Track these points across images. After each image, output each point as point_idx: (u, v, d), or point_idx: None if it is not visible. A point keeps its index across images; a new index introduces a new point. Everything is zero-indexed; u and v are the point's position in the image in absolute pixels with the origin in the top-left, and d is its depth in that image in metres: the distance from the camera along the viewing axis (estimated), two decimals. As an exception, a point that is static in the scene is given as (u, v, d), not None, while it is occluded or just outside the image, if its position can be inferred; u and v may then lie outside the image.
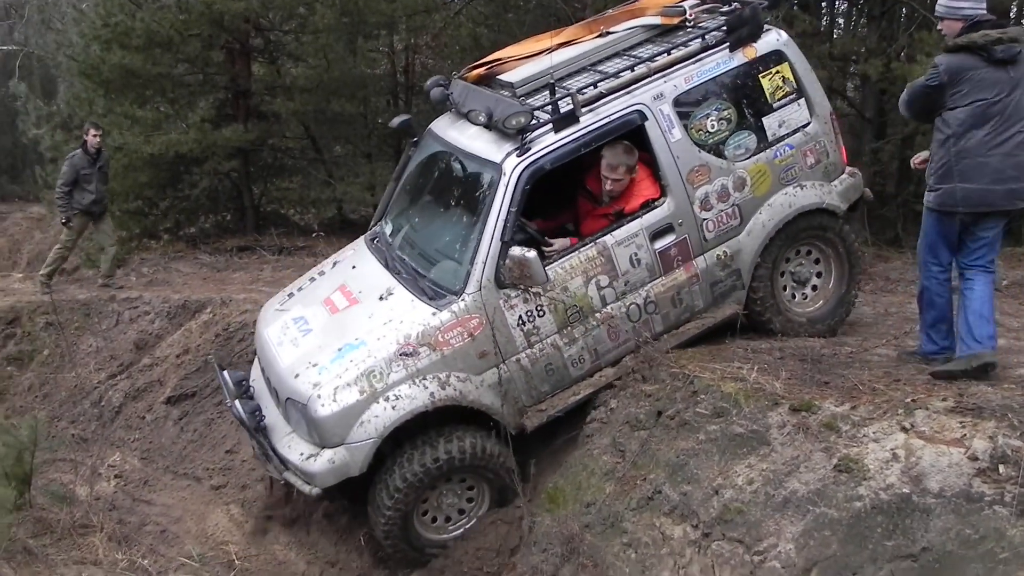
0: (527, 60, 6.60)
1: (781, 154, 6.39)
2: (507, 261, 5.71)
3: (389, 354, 5.69)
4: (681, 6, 6.69)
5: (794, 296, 6.68)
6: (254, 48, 15.77)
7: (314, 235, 13.96)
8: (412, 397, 5.62)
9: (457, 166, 6.48)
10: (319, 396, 5.66)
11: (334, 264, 7.08)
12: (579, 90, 5.96)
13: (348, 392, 5.63)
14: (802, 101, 6.45)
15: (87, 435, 9.27)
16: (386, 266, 6.46)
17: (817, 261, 6.69)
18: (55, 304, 10.67)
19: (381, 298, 6.16)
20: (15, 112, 23.59)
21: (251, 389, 6.55)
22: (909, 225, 12.78)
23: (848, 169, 6.72)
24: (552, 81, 6.11)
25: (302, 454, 5.77)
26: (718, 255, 6.29)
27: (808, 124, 6.46)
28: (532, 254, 5.60)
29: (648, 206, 6.14)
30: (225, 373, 6.65)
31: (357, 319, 6.13)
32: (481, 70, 6.76)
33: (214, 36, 14.77)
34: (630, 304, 6.10)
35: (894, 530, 4.15)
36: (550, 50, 6.43)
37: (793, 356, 5.82)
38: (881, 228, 12.61)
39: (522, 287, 5.79)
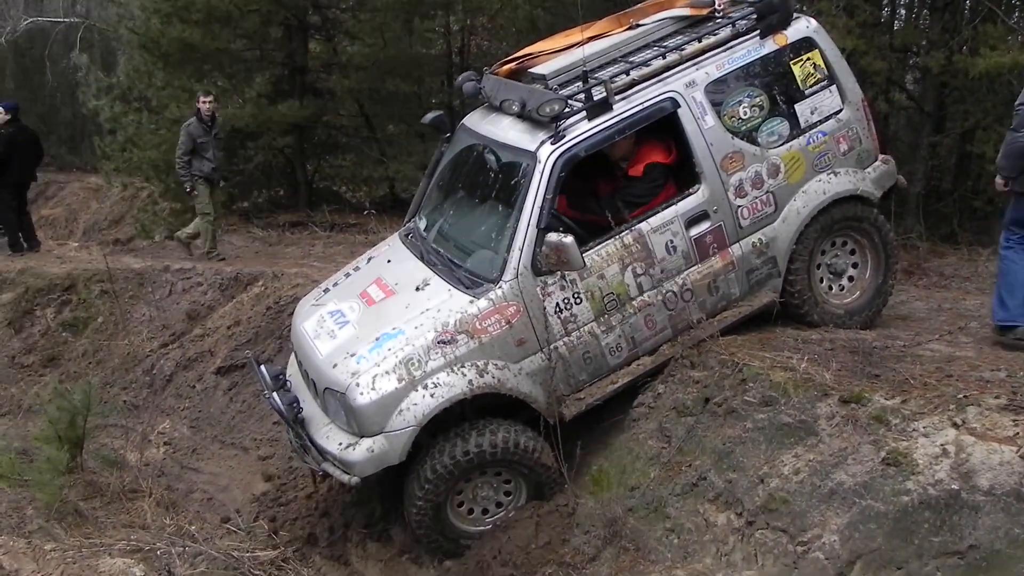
0: (558, 54, 6.59)
1: (814, 141, 6.36)
2: (544, 248, 5.69)
3: (427, 342, 5.69)
4: None
5: (831, 288, 6.62)
6: (311, 25, 15.89)
7: (366, 213, 14.01)
8: (451, 385, 5.62)
9: (491, 158, 6.48)
10: (358, 384, 5.66)
11: (369, 260, 7.11)
12: (611, 78, 5.99)
13: (387, 380, 5.63)
14: (834, 88, 6.43)
15: (138, 402, 9.46)
16: (421, 259, 6.46)
17: (853, 252, 6.63)
18: (111, 272, 10.86)
19: (418, 288, 6.16)
20: (75, 83, 23.97)
21: (288, 383, 6.57)
22: (965, 221, 12.59)
23: (882, 156, 6.67)
24: (585, 70, 6.12)
25: (340, 444, 5.77)
26: (753, 242, 6.26)
27: (840, 111, 6.44)
28: (569, 239, 5.57)
29: (654, 170, 6.21)
30: (263, 368, 6.67)
31: (394, 310, 6.12)
32: (512, 65, 6.74)
33: (272, 12, 14.93)
34: (667, 292, 6.08)
35: (941, 526, 4.12)
36: (581, 43, 6.37)
37: (844, 348, 5.76)
38: (936, 223, 12.40)
39: (559, 273, 5.79)
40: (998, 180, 6.35)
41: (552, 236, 5.66)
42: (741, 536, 4.73)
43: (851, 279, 6.66)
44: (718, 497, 4.95)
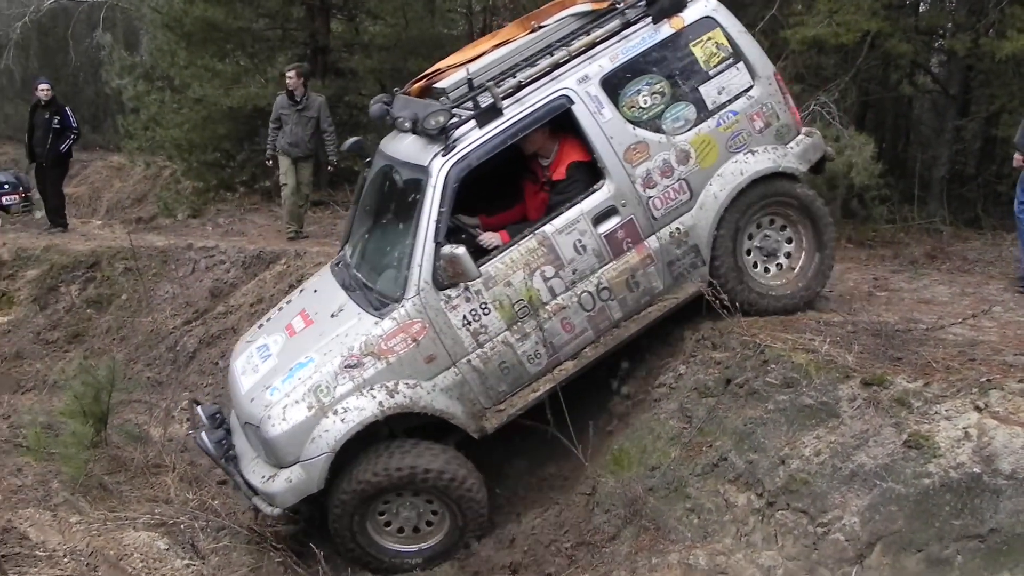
0: (463, 66, 6.39)
1: (725, 121, 6.18)
2: (440, 261, 5.64)
3: (334, 368, 5.68)
4: None
5: (766, 269, 6.40)
6: (333, 5, 15.85)
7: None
8: (360, 408, 5.59)
9: (397, 177, 6.38)
10: (270, 416, 5.67)
11: (301, 291, 7.16)
12: (496, 83, 5.90)
13: (296, 409, 5.63)
14: (740, 65, 6.25)
15: (162, 378, 9.55)
16: (343, 286, 6.44)
17: (784, 229, 6.42)
18: (135, 250, 10.94)
19: (332, 315, 6.16)
20: (98, 63, 24.09)
21: (225, 421, 6.53)
22: (989, 206, 12.48)
23: (805, 129, 6.52)
24: (470, 77, 6.03)
25: (263, 476, 5.77)
26: (671, 232, 6.09)
27: (751, 88, 6.25)
28: (460, 250, 5.53)
29: (577, 171, 6.07)
30: (199, 408, 6.68)
31: (310, 338, 6.12)
32: (422, 82, 6.62)
33: (294, -9, 14.92)
34: (581, 293, 5.94)
35: (962, 509, 4.12)
36: (484, 53, 6.30)
37: (866, 331, 5.75)
38: (960, 208, 12.31)
39: (463, 285, 5.71)
40: (1016, 156, 6.58)
41: (445, 249, 5.60)
42: (761, 517, 4.75)
43: (788, 256, 6.43)
44: (738, 477, 4.97)
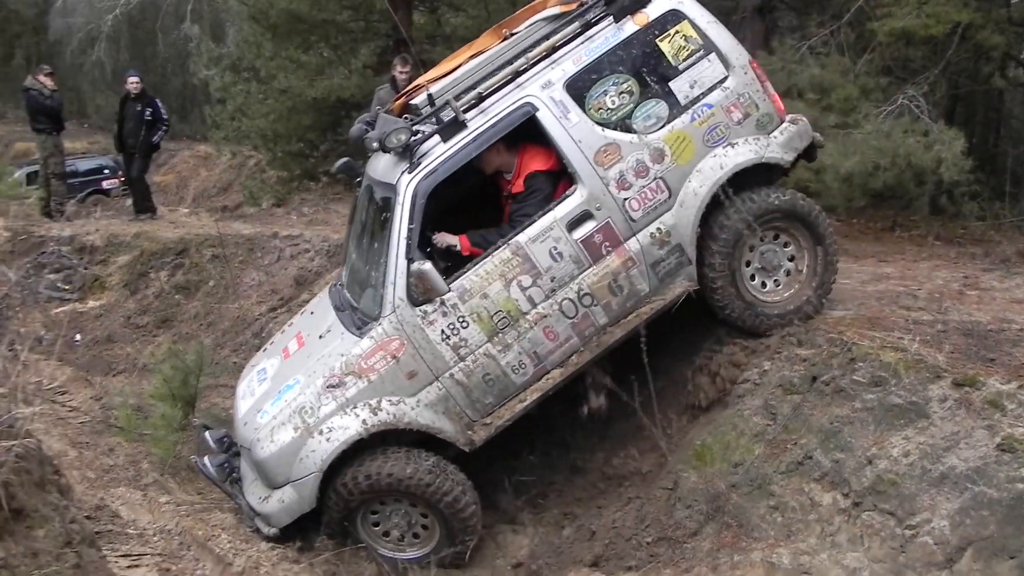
0: (440, 79, 6.33)
1: (700, 115, 6.00)
2: (410, 277, 5.66)
3: (317, 388, 5.75)
4: None
5: (763, 284, 6.20)
6: (416, -3, 15.99)
7: (467, 184, 14.14)
8: (345, 427, 5.64)
9: (376, 196, 6.35)
10: (259, 439, 5.80)
11: (302, 313, 7.25)
12: (456, 95, 5.86)
13: (284, 431, 5.73)
14: (712, 56, 6.05)
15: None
16: (334, 306, 6.48)
17: (787, 245, 6.20)
18: (222, 237, 11.17)
19: (320, 336, 6.23)
20: (186, 54, 24.59)
21: (235, 444, 6.58)
22: (1085, 202, 12.11)
23: (790, 117, 6.28)
24: (429, 92, 6.01)
25: (260, 498, 5.89)
26: (651, 233, 5.94)
27: (725, 78, 6.06)
28: (427, 266, 5.56)
29: (535, 180, 6.01)
30: (206, 433, 6.71)
31: (299, 360, 6.22)
32: (403, 99, 6.58)
33: (378, -16, 15.04)
34: (562, 300, 5.86)
35: (1059, 515, 4.04)
36: (460, 66, 6.23)
37: (957, 330, 5.64)
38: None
39: (438, 300, 5.70)
40: None
41: (413, 265, 5.61)
42: (847, 517, 4.70)
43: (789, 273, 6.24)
44: (824, 477, 4.92)
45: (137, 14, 30.30)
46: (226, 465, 6.29)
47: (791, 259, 6.18)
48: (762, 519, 5.01)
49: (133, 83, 13.70)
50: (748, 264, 6.12)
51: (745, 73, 6.10)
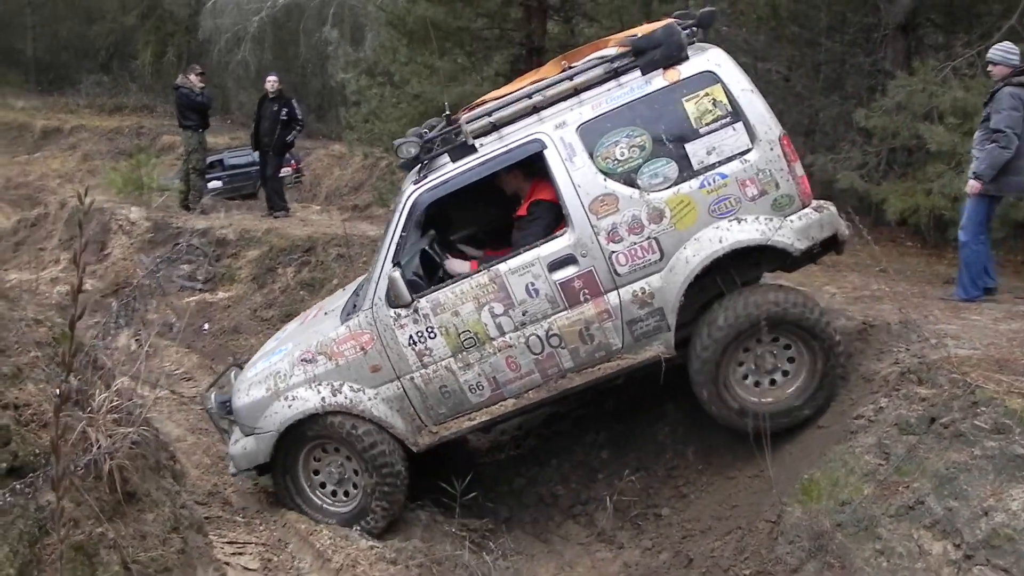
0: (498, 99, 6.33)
1: (710, 184, 5.80)
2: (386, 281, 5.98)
3: (294, 359, 6.28)
4: (636, 34, 6.18)
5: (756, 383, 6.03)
6: (550, 6, 16.03)
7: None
8: (305, 399, 6.15)
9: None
10: (239, 389, 6.49)
11: (343, 290, 7.64)
12: (469, 120, 6.00)
13: (258, 389, 6.33)
14: (738, 125, 5.80)
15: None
16: (353, 292, 6.81)
17: (787, 347, 5.98)
18: (347, 237, 11.40)
19: (326, 314, 6.83)
20: (326, 56, 25.26)
21: None
22: None
23: (814, 203, 5.95)
24: (447, 113, 6.28)
25: (233, 440, 6.55)
26: (635, 291, 5.87)
27: (747, 151, 5.81)
28: (396, 273, 5.88)
29: (538, 208, 6.17)
30: (232, 371, 7.28)
31: (300, 331, 6.91)
32: (465, 112, 6.63)
33: (513, -8, 15.16)
34: (530, 335, 5.95)
35: None
36: (517, 89, 6.23)
37: (1092, 379, 5.32)
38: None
39: (411, 306, 5.99)
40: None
41: (387, 270, 5.98)
42: (957, 569, 4.46)
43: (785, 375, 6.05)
44: (935, 524, 4.69)
45: (282, 16, 31.32)
46: (227, 404, 6.72)
47: (790, 360, 5.98)
48: (866, 562, 4.81)
49: (272, 83, 14.14)
50: (740, 365, 5.98)
51: (771, 149, 5.83)
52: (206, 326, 11.27)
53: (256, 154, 15.08)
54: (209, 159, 19.05)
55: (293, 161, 19.86)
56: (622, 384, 6.87)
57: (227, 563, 5.00)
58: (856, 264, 8.53)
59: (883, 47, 13.51)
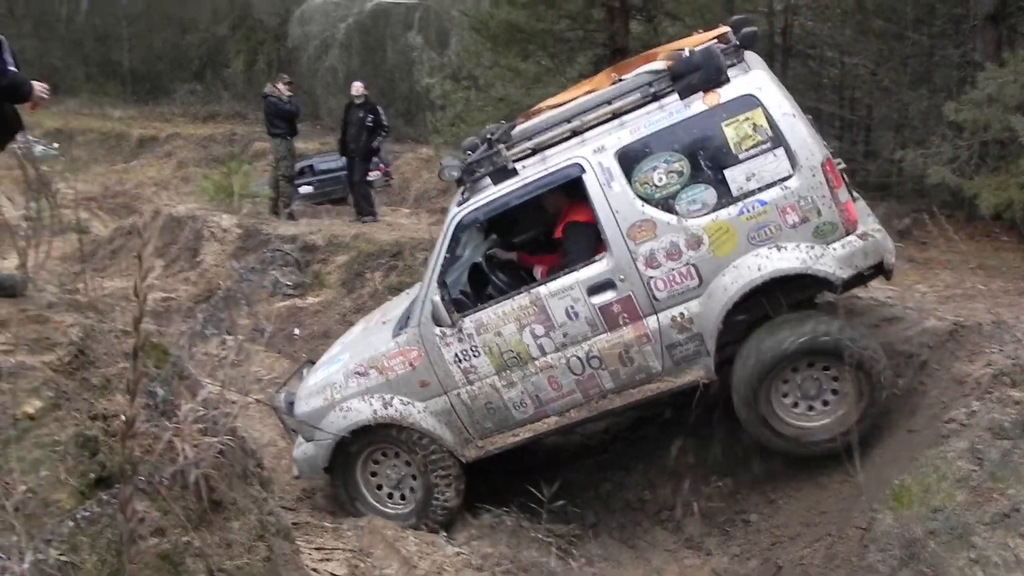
0: (555, 107, 6.38)
1: (750, 210, 5.71)
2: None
3: (349, 371, 6.55)
4: (683, 49, 6.08)
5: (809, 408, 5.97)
6: (633, 6, 15.97)
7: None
8: (358, 411, 6.43)
9: None
10: (301, 397, 6.80)
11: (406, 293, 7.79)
12: (509, 145, 6.11)
13: (316, 398, 6.64)
14: (779, 151, 5.67)
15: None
16: (412, 302, 6.86)
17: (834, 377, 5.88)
18: (433, 242, 11.52)
19: (383, 324, 7.02)
20: (412, 61, 25.56)
21: None
22: None
23: (861, 231, 5.73)
24: (488, 136, 6.27)
25: (297, 443, 6.82)
26: (673, 316, 5.90)
27: (788, 177, 5.68)
28: (436, 297, 6.09)
29: (573, 229, 6.24)
30: (304, 368, 7.61)
31: (358, 339, 7.19)
32: (522, 118, 6.66)
33: (596, -7, 15.16)
34: (571, 356, 6.06)
35: None
36: (571, 99, 6.24)
37: None
38: None
39: (456, 325, 6.17)
40: None
41: (430, 293, 6.18)
42: (1055, 578, 4.36)
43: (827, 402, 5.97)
44: (1033, 532, 4.58)
45: (368, 22, 31.79)
46: (293, 403, 6.96)
47: (835, 380, 5.89)
48: (960, 571, 4.69)
49: (357, 90, 14.37)
50: (784, 390, 5.92)
51: (813, 175, 5.69)
52: (296, 331, 11.48)
53: (344, 159, 15.32)
54: (299, 165, 19.48)
55: (382, 165, 20.14)
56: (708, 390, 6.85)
57: (315, 569, 5.11)
58: (948, 261, 8.36)
59: (972, 38, 13.18)
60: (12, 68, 4.77)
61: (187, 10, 44.89)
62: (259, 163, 24.52)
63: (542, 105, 6.68)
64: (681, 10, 15.43)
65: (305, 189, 20.87)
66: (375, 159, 16.11)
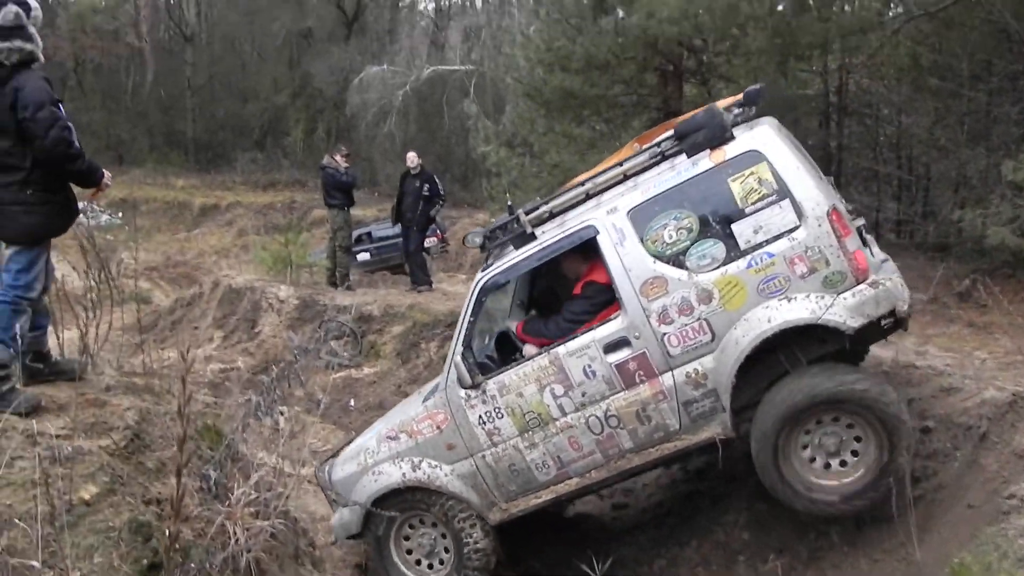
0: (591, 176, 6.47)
1: (758, 263, 5.71)
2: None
3: (381, 436, 6.70)
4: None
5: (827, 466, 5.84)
6: (686, 70, 16.07)
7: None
8: (389, 474, 6.56)
9: None
10: (337, 463, 6.94)
11: None
12: (527, 210, 6.29)
13: (350, 464, 6.80)
14: (785, 203, 5.66)
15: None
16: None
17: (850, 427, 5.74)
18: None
19: (420, 393, 7.23)
20: (468, 128, 25.95)
21: None
22: None
23: (870, 280, 5.63)
24: (510, 204, 6.52)
25: (337, 510, 6.92)
26: (688, 372, 5.90)
27: (795, 228, 5.67)
28: (458, 358, 6.26)
29: (590, 288, 6.32)
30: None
31: (395, 409, 7.45)
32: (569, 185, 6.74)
33: (648, 59, 15.30)
34: (590, 416, 6.09)
35: None
36: (605, 170, 6.33)
37: None
38: None
39: (479, 387, 6.26)
40: None
41: (455, 354, 6.31)
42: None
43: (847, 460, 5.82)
44: (1098, 615, 4.44)
45: (425, 89, 32.35)
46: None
47: (857, 439, 5.76)
48: (1024, 655, 4.58)
49: (412, 160, 14.58)
50: (805, 448, 5.82)
51: (819, 225, 5.68)
52: (352, 402, 11.60)
53: (399, 227, 15.50)
54: (357, 232, 19.75)
55: (439, 232, 20.37)
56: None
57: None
58: (1010, 325, 8.20)
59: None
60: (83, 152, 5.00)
61: (248, 80, 46.30)
62: (317, 230, 24.97)
63: (582, 177, 6.78)
64: (734, 72, 15.45)
65: (363, 256, 21.14)
66: (432, 226, 16.28)
